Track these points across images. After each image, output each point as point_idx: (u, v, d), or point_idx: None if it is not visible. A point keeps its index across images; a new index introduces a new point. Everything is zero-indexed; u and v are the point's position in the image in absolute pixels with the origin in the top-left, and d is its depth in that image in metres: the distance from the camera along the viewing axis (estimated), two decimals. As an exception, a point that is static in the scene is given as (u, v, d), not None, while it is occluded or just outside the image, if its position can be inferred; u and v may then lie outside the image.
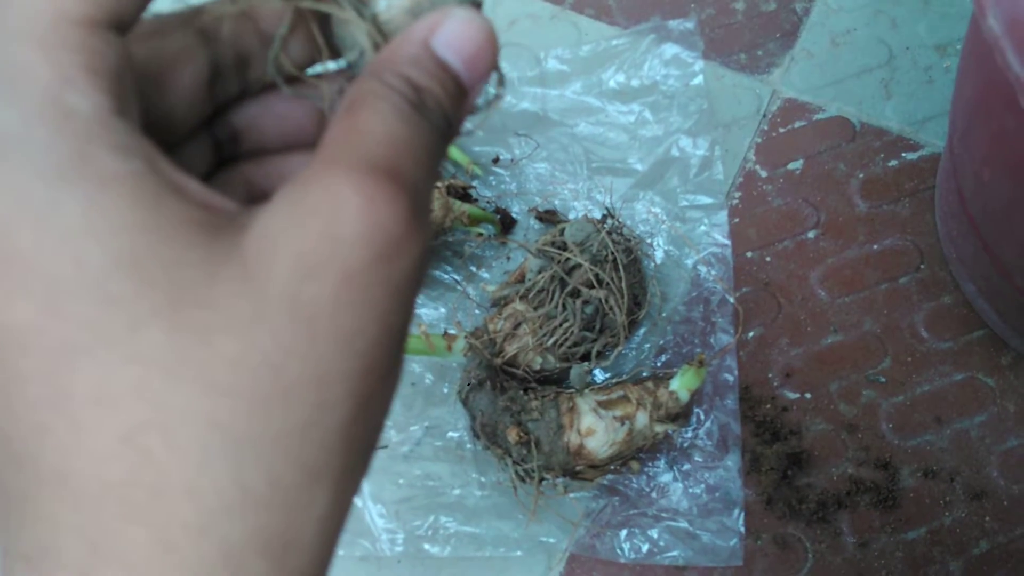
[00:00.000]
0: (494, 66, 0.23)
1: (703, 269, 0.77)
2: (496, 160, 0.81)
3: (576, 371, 0.70)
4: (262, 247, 0.18)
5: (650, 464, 0.72)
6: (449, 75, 0.22)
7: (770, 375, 0.75)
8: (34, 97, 0.18)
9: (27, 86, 0.18)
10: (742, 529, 0.70)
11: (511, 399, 0.68)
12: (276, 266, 0.18)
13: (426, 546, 0.71)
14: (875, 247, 0.78)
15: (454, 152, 0.77)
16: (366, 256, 0.18)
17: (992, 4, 0.43)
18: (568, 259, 0.69)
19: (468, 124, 0.24)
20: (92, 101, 0.18)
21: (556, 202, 0.80)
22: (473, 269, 0.79)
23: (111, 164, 0.18)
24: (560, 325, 0.69)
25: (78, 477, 0.17)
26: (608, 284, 0.69)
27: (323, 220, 0.18)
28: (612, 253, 0.70)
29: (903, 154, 0.81)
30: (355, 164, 0.19)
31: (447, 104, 0.22)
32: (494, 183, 0.81)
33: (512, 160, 0.81)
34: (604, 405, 0.68)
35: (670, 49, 0.82)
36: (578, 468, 0.68)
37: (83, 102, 0.18)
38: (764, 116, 0.83)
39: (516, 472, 0.68)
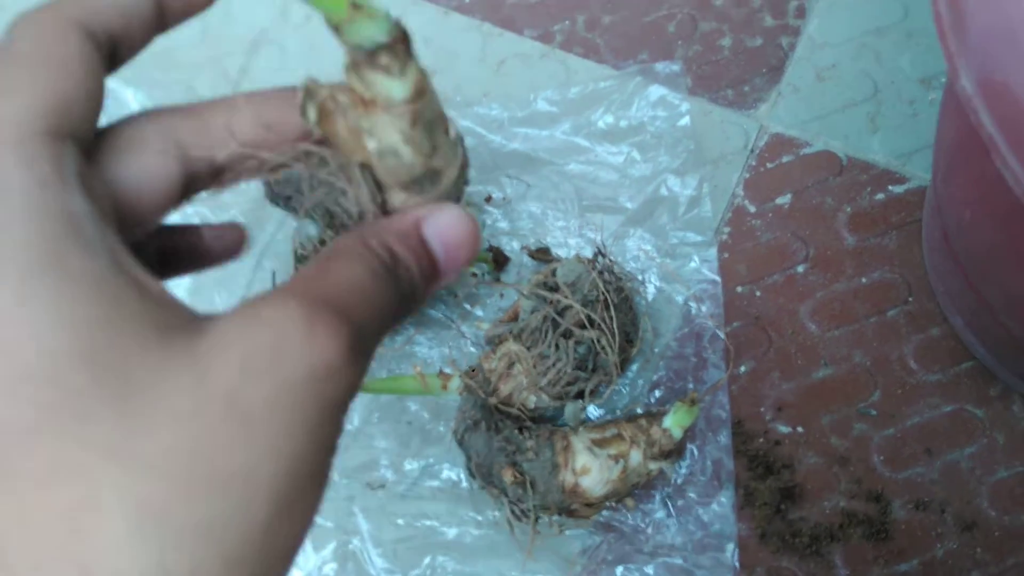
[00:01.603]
0: (472, 259, 0.26)
1: (694, 305, 0.78)
2: (489, 199, 0.83)
3: (571, 409, 0.71)
4: (212, 349, 0.20)
5: (645, 501, 0.73)
6: (428, 256, 0.25)
7: (762, 409, 0.76)
8: (13, 197, 0.20)
9: (5, 188, 0.20)
10: (736, 564, 0.71)
11: (506, 439, 0.69)
12: (221, 365, 0.20)
13: (424, 585, 0.72)
14: (863, 280, 0.79)
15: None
16: (303, 372, 0.20)
17: (963, 65, 0.44)
18: (560, 300, 0.70)
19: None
20: (64, 202, 0.20)
21: (549, 239, 0.81)
22: (468, 307, 0.80)
23: (79, 262, 0.20)
24: (553, 365, 0.70)
25: (16, 553, 0.18)
26: (599, 324, 0.70)
27: (270, 333, 0.20)
28: (603, 293, 0.71)
29: (890, 187, 0.82)
30: (311, 297, 0.21)
31: (418, 278, 0.25)
32: (487, 222, 0.82)
33: (504, 199, 0.82)
34: (598, 443, 0.69)
35: (656, 91, 0.83)
36: (574, 506, 0.69)
37: (56, 203, 0.20)
38: (752, 151, 0.84)
39: (512, 511, 0.69)
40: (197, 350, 0.20)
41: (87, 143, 0.23)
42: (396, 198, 0.26)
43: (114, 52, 0.24)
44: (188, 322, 0.21)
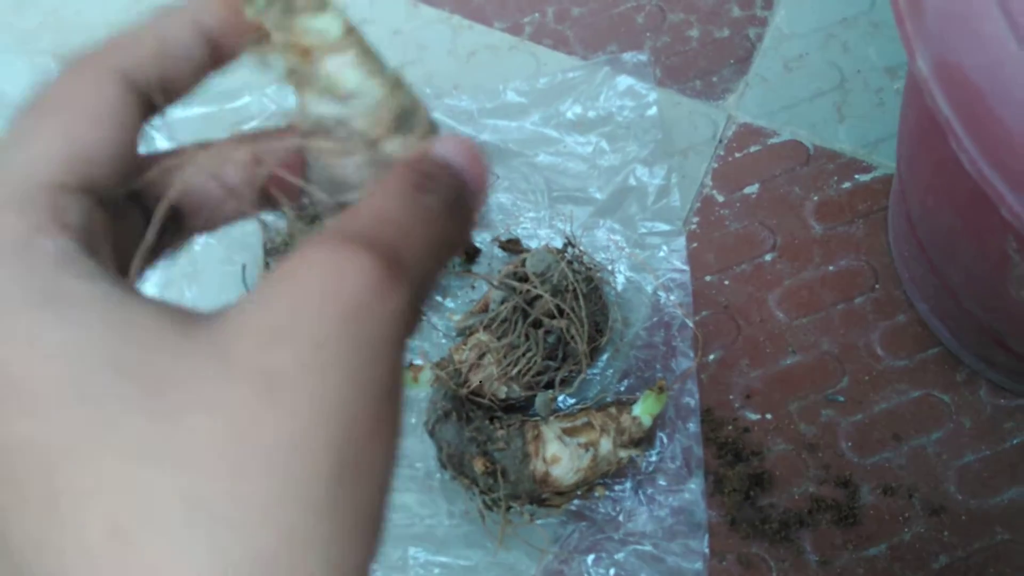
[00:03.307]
0: (486, 173, 0.25)
1: (663, 294, 0.79)
2: (458, 191, 0.82)
3: (541, 399, 0.71)
4: (231, 327, 0.19)
5: (616, 489, 0.73)
6: (453, 171, 0.24)
7: (731, 397, 0.76)
8: (8, 245, 0.20)
9: (3, 239, 0.20)
10: (706, 551, 0.71)
11: (477, 429, 0.69)
12: (242, 340, 0.19)
13: (396, 577, 0.72)
14: (831, 268, 0.80)
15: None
16: (330, 318, 0.19)
17: (920, 46, 0.45)
18: (529, 290, 0.71)
19: None
20: (58, 242, 0.20)
21: (519, 231, 0.81)
22: (439, 299, 0.80)
23: (79, 288, 0.19)
24: (523, 355, 0.70)
25: None
26: (569, 314, 0.70)
27: (289, 291, 0.19)
28: (572, 283, 0.71)
29: (856, 176, 0.83)
30: (334, 239, 0.20)
31: (458, 186, 0.24)
32: (457, 214, 0.82)
33: (474, 190, 0.83)
34: (569, 432, 0.69)
35: (624, 81, 0.83)
36: (544, 495, 0.69)
37: (50, 244, 0.20)
38: (720, 141, 0.85)
39: (483, 501, 0.69)
40: (218, 334, 0.19)
41: (111, 192, 0.23)
42: (391, 145, 0.25)
43: (165, 93, 0.24)
44: (205, 317, 0.20)
